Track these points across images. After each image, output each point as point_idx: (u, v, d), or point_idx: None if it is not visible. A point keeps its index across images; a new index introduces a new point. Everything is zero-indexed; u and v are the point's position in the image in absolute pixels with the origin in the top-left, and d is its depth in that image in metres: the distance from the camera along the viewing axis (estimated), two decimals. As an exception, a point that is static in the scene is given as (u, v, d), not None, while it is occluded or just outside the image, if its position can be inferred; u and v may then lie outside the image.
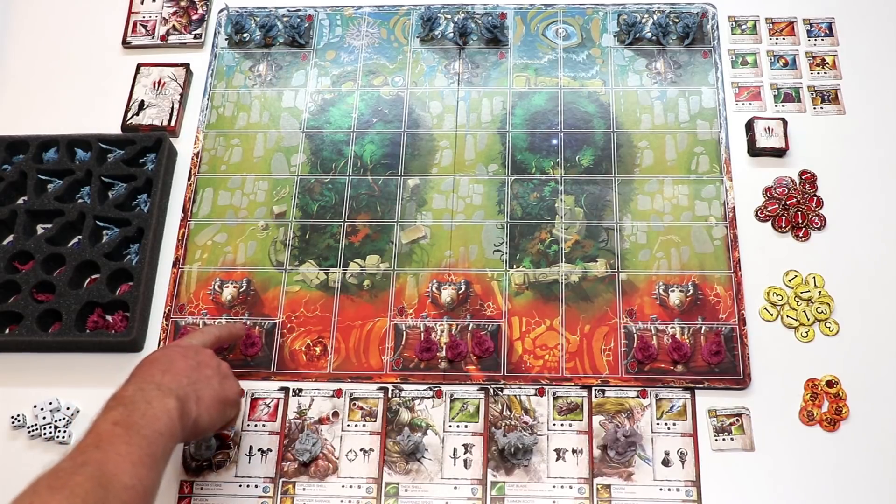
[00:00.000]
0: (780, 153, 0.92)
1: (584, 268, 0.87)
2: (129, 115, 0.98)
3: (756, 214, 0.89)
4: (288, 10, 1.04)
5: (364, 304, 0.87)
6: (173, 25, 1.04)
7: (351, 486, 0.79)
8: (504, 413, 0.81)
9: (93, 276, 0.89)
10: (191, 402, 0.67)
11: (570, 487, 0.78)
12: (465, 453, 0.80)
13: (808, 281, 0.86)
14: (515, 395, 0.82)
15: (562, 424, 0.80)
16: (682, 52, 0.99)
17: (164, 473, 0.64)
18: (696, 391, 0.81)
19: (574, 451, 0.79)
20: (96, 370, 0.85)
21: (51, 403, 0.82)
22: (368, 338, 0.85)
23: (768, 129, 0.92)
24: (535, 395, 0.82)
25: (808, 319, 0.84)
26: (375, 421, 0.81)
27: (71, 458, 0.60)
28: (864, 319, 0.84)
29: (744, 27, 1.00)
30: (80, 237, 0.90)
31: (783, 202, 0.89)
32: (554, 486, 0.78)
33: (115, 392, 0.66)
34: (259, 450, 0.81)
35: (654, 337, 0.84)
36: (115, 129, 0.97)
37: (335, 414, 0.82)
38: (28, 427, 0.81)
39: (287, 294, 0.88)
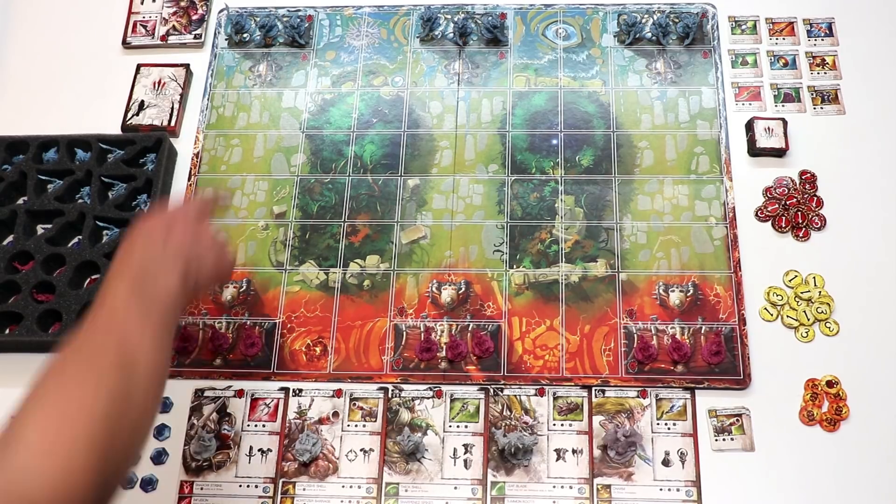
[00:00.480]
0: (780, 153, 0.92)
1: (584, 268, 0.87)
2: (129, 115, 0.98)
3: (756, 214, 0.89)
4: (288, 11, 1.04)
5: (364, 304, 0.87)
6: (173, 25, 1.04)
7: (351, 487, 0.79)
8: (504, 413, 0.81)
9: (93, 277, 0.89)
10: (191, 273, 0.65)
11: (571, 487, 0.78)
12: (465, 453, 0.80)
13: (808, 281, 0.86)
14: (515, 395, 0.82)
15: (562, 424, 0.80)
16: (682, 52, 0.99)
17: (176, 328, 0.63)
18: (696, 391, 0.81)
19: (574, 451, 0.79)
20: (96, 370, 0.85)
21: (51, 403, 0.81)
22: (368, 338, 0.85)
23: (768, 129, 0.92)
24: (535, 395, 0.82)
25: (808, 319, 0.84)
26: (375, 421, 0.81)
27: (87, 335, 0.57)
28: (864, 319, 0.84)
29: (744, 27, 1.00)
30: (80, 237, 0.90)
31: (783, 202, 0.89)
32: (554, 487, 0.78)
33: (116, 256, 0.63)
34: (259, 450, 0.81)
35: (654, 337, 0.84)
36: (115, 129, 0.97)
37: (335, 414, 0.82)
38: (28, 427, 0.81)
39: (287, 294, 0.88)
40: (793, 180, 0.91)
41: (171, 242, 0.64)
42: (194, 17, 1.05)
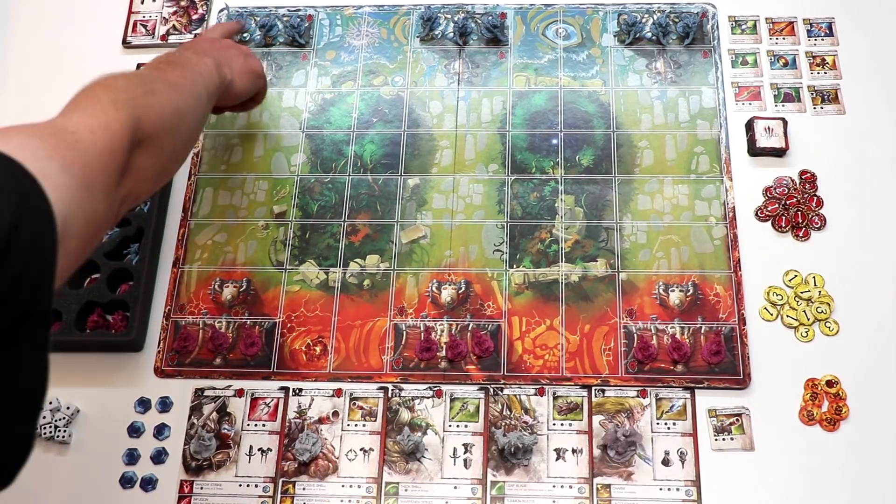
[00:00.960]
0: (780, 153, 0.92)
1: (584, 268, 0.87)
2: (129, 114, 0.97)
3: (756, 214, 0.89)
4: (288, 10, 1.04)
5: (364, 303, 0.87)
6: (173, 25, 1.04)
7: (351, 486, 0.79)
8: (504, 413, 0.81)
9: (93, 276, 0.89)
10: (224, 66, 0.79)
11: (570, 487, 0.78)
12: (465, 453, 0.80)
13: (808, 281, 0.86)
14: (515, 395, 0.82)
15: (562, 424, 0.80)
16: (682, 51, 0.99)
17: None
18: (696, 391, 0.81)
19: (574, 451, 0.79)
20: (96, 370, 0.85)
21: (51, 403, 0.82)
22: (368, 337, 0.85)
23: (768, 128, 0.92)
24: (535, 394, 0.82)
25: (808, 319, 0.84)
26: (375, 421, 0.81)
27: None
28: (864, 319, 0.84)
29: (744, 27, 1.00)
30: (80, 237, 0.90)
31: (783, 202, 0.89)
32: (554, 486, 0.78)
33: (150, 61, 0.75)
34: (259, 449, 0.81)
35: (654, 337, 0.84)
36: (115, 128, 0.97)
37: (335, 414, 0.82)
38: (28, 427, 0.81)
39: (287, 294, 0.88)
40: (793, 180, 0.91)
41: (197, 47, 0.79)
42: (194, 17, 1.05)
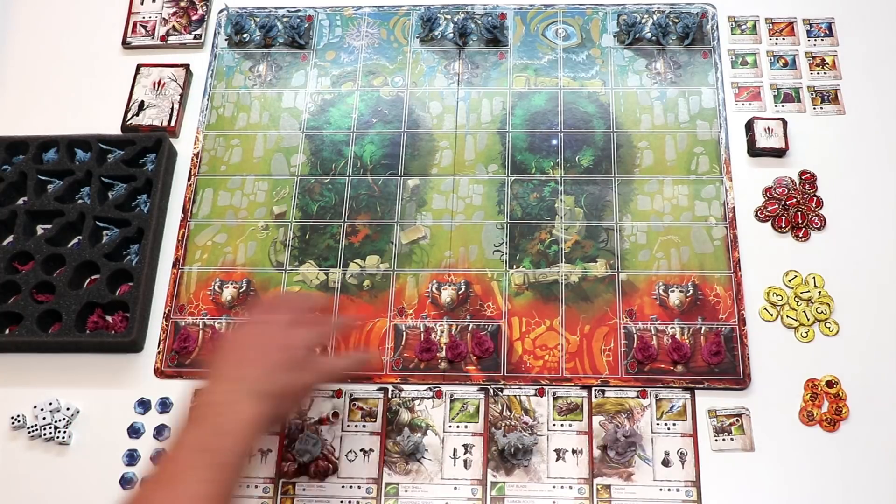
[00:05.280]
0: (779, 153, 0.92)
1: (583, 268, 0.87)
2: (129, 115, 0.98)
3: (756, 214, 0.89)
4: (288, 11, 1.04)
5: (364, 304, 0.87)
6: (173, 26, 1.04)
7: (351, 487, 0.79)
8: (504, 413, 0.81)
9: (93, 277, 0.89)
10: (271, 398, 0.63)
11: (570, 488, 0.78)
12: (465, 453, 0.80)
13: (808, 281, 0.86)
14: (515, 396, 0.82)
15: (562, 425, 0.80)
16: (682, 52, 0.99)
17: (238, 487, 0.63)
18: (696, 391, 0.81)
19: (574, 452, 0.79)
20: (96, 370, 0.85)
21: (51, 404, 0.82)
22: (368, 338, 0.85)
23: (768, 129, 0.92)
24: (535, 395, 0.82)
25: (808, 319, 0.84)
26: (375, 421, 0.81)
27: (142, 500, 0.59)
28: (864, 319, 0.84)
29: (743, 27, 1.00)
30: (80, 238, 0.90)
31: (783, 202, 0.89)
32: (554, 487, 0.78)
33: (202, 390, 0.64)
34: (259, 450, 0.81)
35: (654, 337, 0.84)
36: (114, 129, 0.97)
37: (335, 414, 0.82)
38: (28, 427, 0.81)
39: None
40: (793, 180, 0.91)
41: (246, 364, 0.63)
42: (194, 18, 1.05)
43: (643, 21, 1.00)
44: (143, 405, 0.83)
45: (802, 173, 0.91)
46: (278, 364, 0.64)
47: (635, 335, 0.84)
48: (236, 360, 0.65)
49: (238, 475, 0.61)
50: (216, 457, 0.59)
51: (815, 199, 0.89)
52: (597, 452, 0.79)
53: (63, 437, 0.81)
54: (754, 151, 0.92)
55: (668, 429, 0.80)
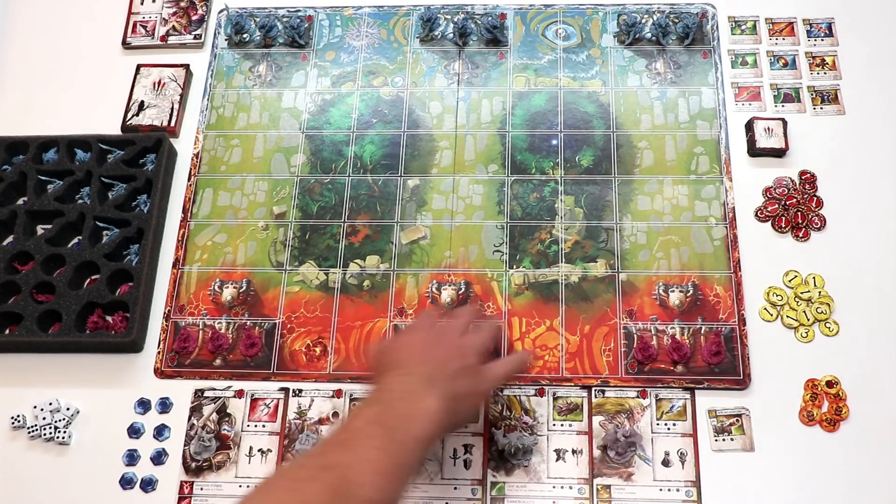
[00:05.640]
0: (779, 153, 0.92)
1: (583, 268, 0.87)
2: (129, 115, 0.98)
3: (756, 214, 0.89)
4: (288, 11, 1.04)
5: (364, 304, 0.87)
6: (173, 26, 1.04)
7: (351, 487, 0.79)
8: (504, 413, 0.81)
9: (93, 277, 0.89)
10: (452, 400, 0.63)
11: (570, 488, 0.78)
12: (464, 453, 0.80)
13: (808, 281, 0.86)
14: (515, 396, 0.82)
15: (562, 425, 0.80)
16: (682, 52, 0.99)
17: (410, 482, 0.61)
18: (696, 391, 0.81)
19: (574, 452, 0.79)
20: (96, 371, 0.85)
21: (51, 404, 0.82)
22: (368, 338, 0.85)
23: (768, 129, 0.92)
24: (535, 395, 0.82)
25: (808, 319, 0.84)
26: (375, 421, 0.81)
27: (317, 456, 0.58)
28: (864, 319, 0.84)
29: (743, 27, 1.00)
30: (80, 238, 0.90)
31: (783, 202, 0.89)
32: (554, 487, 0.78)
33: (378, 379, 0.64)
34: (259, 450, 0.81)
35: (654, 337, 0.84)
36: (114, 129, 0.97)
37: (335, 414, 0.82)
38: (28, 427, 0.81)
39: (287, 294, 0.88)
40: (793, 180, 0.91)
41: (432, 362, 0.64)
42: (194, 18, 1.05)
43: (643, 21, 1.00)
44: (143, 405, 0.83)
45: (802, 173, 0.91)
46: (459, 369, 0.66)
47: (635, 335, 0.84)
48: (420, 359, 0.66)
49: (413, 463, 0.60)
50: (391, 432, 0.59)
51: (815, 199, 0.89)
52: (597, 452, 0.79)
53: (63, 437, 0.81)
54: (754, 151, 0.92)
55: (668, 429, 0.80)
